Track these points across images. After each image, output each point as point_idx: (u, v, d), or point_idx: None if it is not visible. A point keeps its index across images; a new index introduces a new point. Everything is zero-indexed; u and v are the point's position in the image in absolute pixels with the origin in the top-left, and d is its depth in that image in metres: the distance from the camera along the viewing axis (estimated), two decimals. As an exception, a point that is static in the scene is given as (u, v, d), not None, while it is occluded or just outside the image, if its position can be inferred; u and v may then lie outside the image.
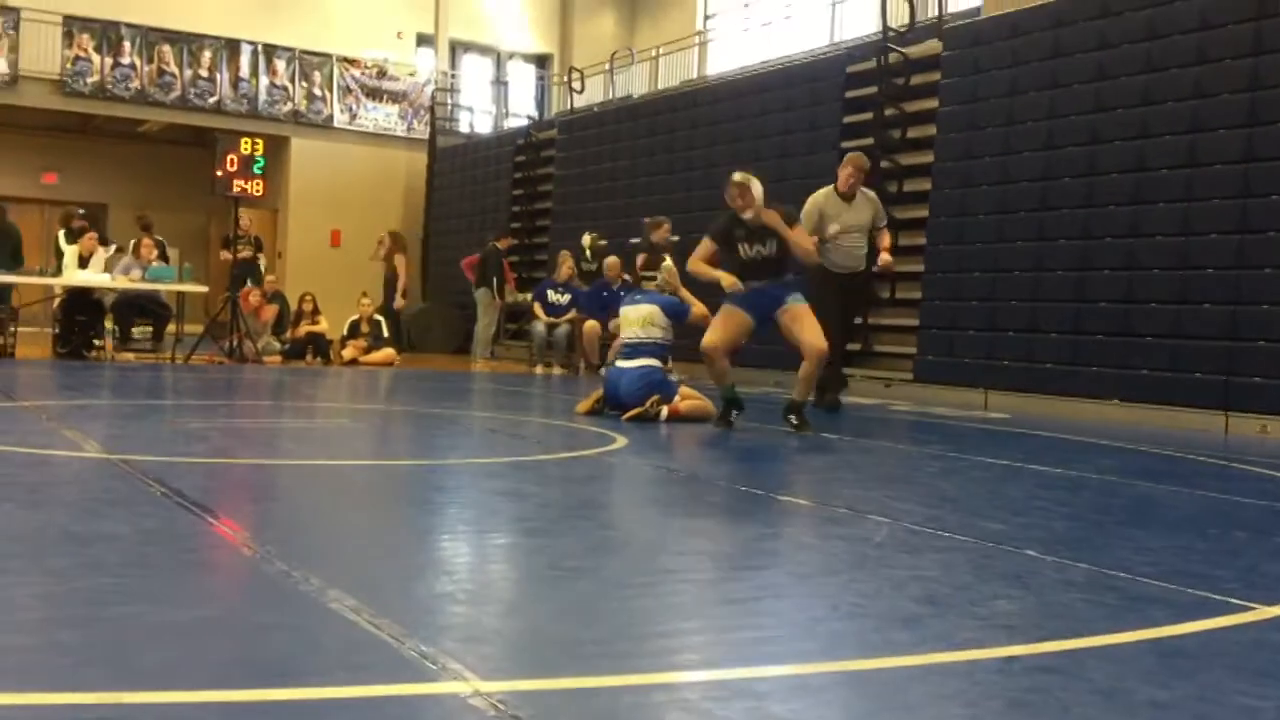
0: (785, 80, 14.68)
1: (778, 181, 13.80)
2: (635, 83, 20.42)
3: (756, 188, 6.82)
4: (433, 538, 3.47)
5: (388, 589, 2.62)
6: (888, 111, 12.48)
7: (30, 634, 2.10)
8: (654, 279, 8.14)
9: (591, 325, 13.50)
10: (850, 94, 13.30)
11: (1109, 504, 4.70)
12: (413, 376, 11.97)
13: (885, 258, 9.20)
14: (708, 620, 2.55)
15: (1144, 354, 9.59)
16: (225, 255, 14.54)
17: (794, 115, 13.96)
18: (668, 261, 8.56)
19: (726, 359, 7.08)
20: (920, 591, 2.82)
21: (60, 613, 2.26)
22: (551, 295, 14.42)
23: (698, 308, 7.79)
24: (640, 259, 12.08)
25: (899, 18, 13.22)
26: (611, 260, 13.66)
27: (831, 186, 8.98)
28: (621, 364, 7.62)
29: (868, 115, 12.82)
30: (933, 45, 12.44)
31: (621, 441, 6.05)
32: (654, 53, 21.07)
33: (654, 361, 7.52)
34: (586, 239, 15.26)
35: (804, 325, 6.90)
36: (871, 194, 9.18)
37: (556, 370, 13.89)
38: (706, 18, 22.97)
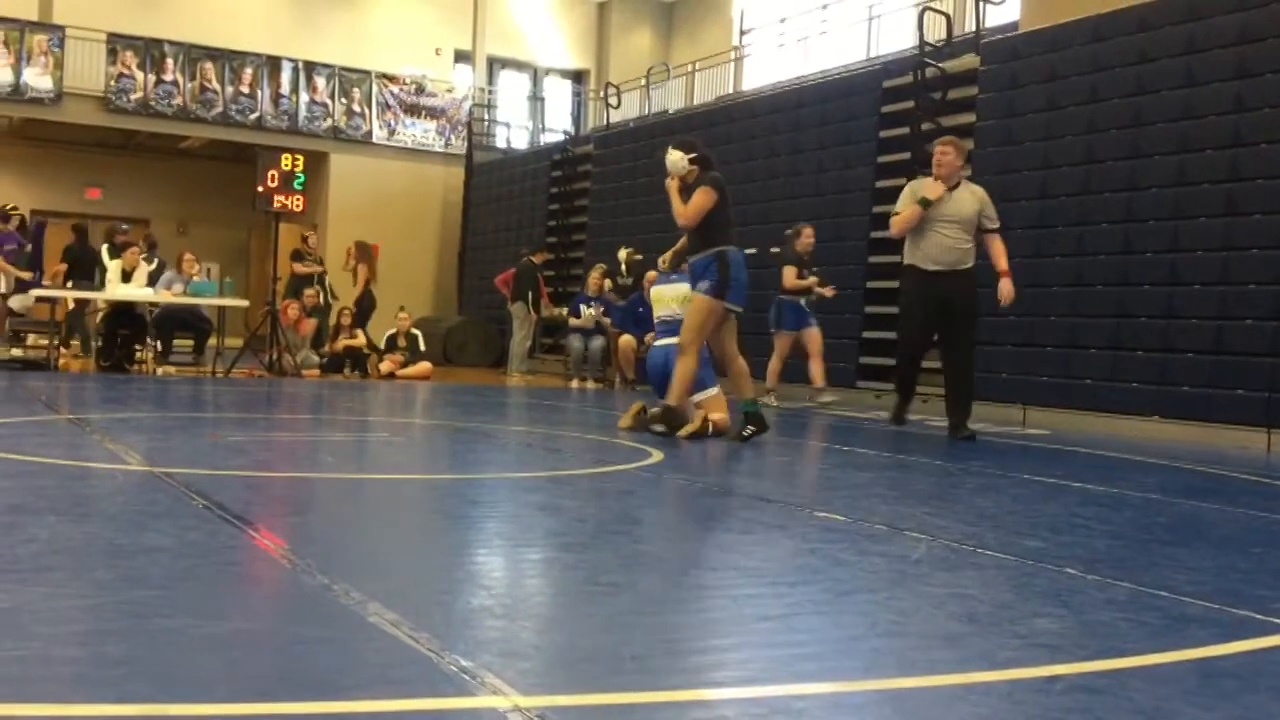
0: (821, 95, 14.67)
1: (815, 196, 13.88)
2: (671, 98, 20.50)
3: (670, 157, 7.09)
4: (470, 552, 3.49)
5: (426, 603, 2.64)
6: (924, 126, 12.44)
7: (77, 645, 2.13)
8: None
9: (627, 340, 13.54)
10: (886, 109, 13.28)
11: (1151, 522, 4.65)
12: (449, 390, 12.03)
13: (1006, 288, 7.89)
14: (744, 636, 2.54)
15: (1185, 370, 9.50)
16: (297, 267, 14.76)
17: (830, 130, 13.95)
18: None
19: (739, 362, 7.14)
20: (960, 609, 2.80)
21: (106, 625, 2.29)
22: (584, 310, 14.48)
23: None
24: (790, 272, 11.33)
25: (936, 32, 13.20)
26: (652, 274, 13.69)
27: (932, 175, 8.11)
28: (664, 342, 7.83)
29: (904, 130, 12.79)
30: (970, 60, 12.41)
31: (657, 456, 6.05)
32: (690, 68, 21.15)
33: None
34: (623, 254, 15.29)
35: (685, 318, 7.11)
36: (980, 190, 8.13)
37: (591, 384, 13.92)
38: (742, 33, 23.01)
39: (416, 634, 2.28)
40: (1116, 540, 4.07)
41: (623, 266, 15.14)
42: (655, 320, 8.17)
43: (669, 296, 7.94)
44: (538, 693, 1.99)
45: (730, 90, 21.09)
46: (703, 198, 6.90)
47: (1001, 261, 7.95)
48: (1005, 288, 7.87)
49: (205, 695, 1.90)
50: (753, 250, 14.75)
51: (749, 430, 7.01)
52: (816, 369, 11.44)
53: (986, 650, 2.45)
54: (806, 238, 11.38)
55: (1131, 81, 10.40)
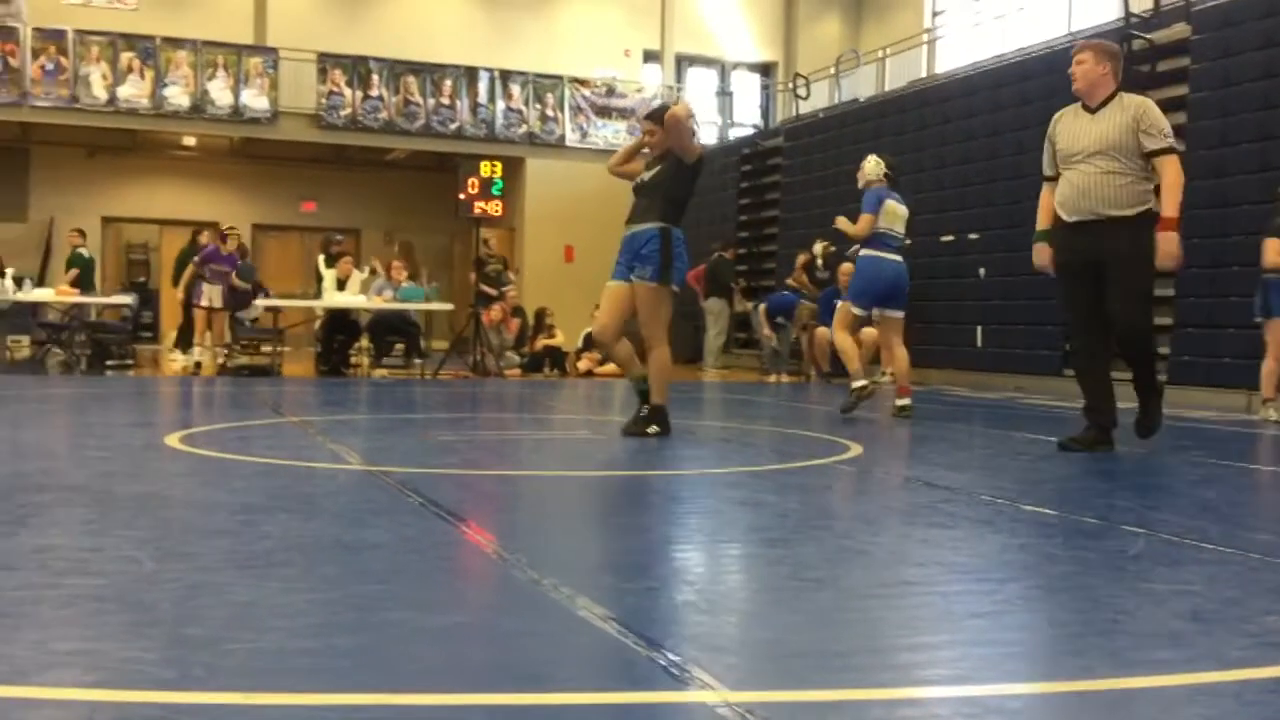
0: (1020, 74, 14.19)
1: (1014, 179, 13.43)
2: (862, 85, 20.16)
3: (690, 114, 6.59)
4: (673, 547, 3.53)
5: (633, 597, 2.69)
6: (1132, 101, 11.89)
7: (311, 638, 2.26)
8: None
9: (823, 332, 13.42)
10: (1090, 84, 12.74)
11: (1395, 514, 4.34)
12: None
13: (1165, 245, 5.61)
14: (954, 634, 2.50)
15: None
16: (476, 280, 15.13)
17: (1030, 110, 13.46)
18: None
19: (623, 342, 6.68)
20: (1183, 607, 2.68)
21: (335, 618, 2.42)
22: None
23: None
24: (1273, 246, 8.99)
25: (1142, 2, 12.60)
26: (844, 266, 13.57)
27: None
28: (894, 257, 8.11)
29: (1110, 106, 12.24)
30: (1180, 29, 11.80)
31: (856, 449, 5.99)
32: (880, 54, 20.76)
33: None
34: (818, 247, 15.20)
35: (638, 313, 6.53)
36: (1137, 100, 5.82)
37: (787, 378, 13.86)
38: (935, 14, 22.46)
39: (625, 628, 2.33)
40: (1357, 534, 3.82)
41: (818, 260, 15.03)
42: (884, 229, 8.12)
43: (903, 215, 8.22)
44: (746, 688, 2.01)
45: (923, 74, 20.61)
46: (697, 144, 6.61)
47: (1168, 202, 5.66)
48: (1163, 244, 5.62)
49: (428, 685, 1.99)
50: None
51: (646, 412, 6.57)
52: (1270, 372, 9.12)
53: (1214, 649, 2.34)
54: None
55: (1363, 41, 9.70)
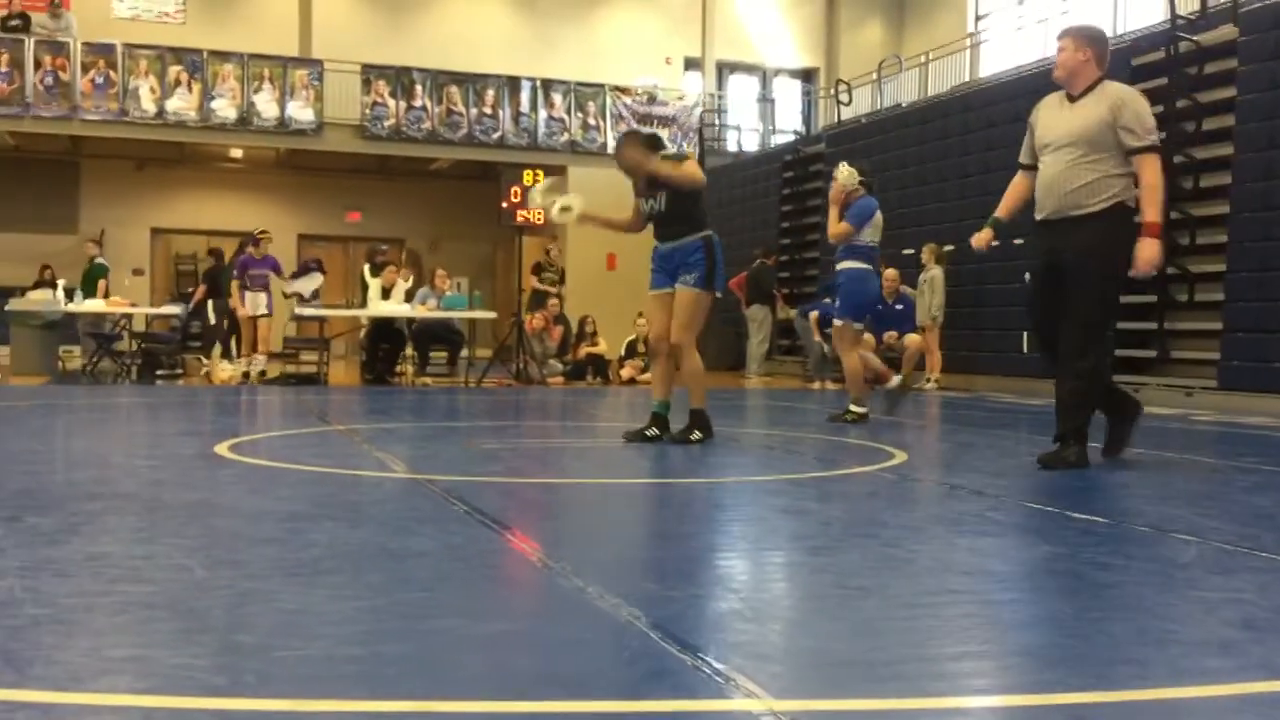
0: (1064, 77, 14.07)
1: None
2: (904, 91, 20.07)
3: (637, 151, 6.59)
4: (717, 555, 3.53)
5: (677, 605, 2.69)
6: (1180, 104, 11.75)
7: (359, 645, 2.28)
8: None
9: (914, 339, 13.44)
10: (1137, 87, 12.58)
11: None
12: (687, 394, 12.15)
13: (1145, 251, 5.19)
14: (1001, 643, 2.48)
15: None
16: (533, 282, 15.22)
17: (1075, 113, 13.36)
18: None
19: (669, 364, 6.67)
20: (1235, 615, 2.64)
21: (382, 625, 2.44)
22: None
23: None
24: None
25: (1189, 4, 12.45)
26: (890, 273, 13.52)
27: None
28: (871, 268, 8.25)
29: (1158, 109, 12.08)
30: (1227, 31, 11.65)
31: (900, 457, 5.95)
32: (923, 59, 20.65)
33: None
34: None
35: (674, 315, 6.49)
36: (1118, 91, 5.47)
37: (831, 385, 13.81)
38: (978, 18, 22.32)
39: (669, 636, 2.33)
40: None
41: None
42: (869, 242, 8.25)
43: (880, 224, 8.32)
44: (791, 697, 2.01)
45: (966, 78, 20.49)
46: (697, 166, 6.67)
47: (1148, 206, 5.25)
48: (1144, 250, 5.20)
49: (474, 693, 2.01)
50: (995, 243, 14.30)
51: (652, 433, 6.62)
52: None
53: (1265, 658, 2.30)
54: None
55: None
